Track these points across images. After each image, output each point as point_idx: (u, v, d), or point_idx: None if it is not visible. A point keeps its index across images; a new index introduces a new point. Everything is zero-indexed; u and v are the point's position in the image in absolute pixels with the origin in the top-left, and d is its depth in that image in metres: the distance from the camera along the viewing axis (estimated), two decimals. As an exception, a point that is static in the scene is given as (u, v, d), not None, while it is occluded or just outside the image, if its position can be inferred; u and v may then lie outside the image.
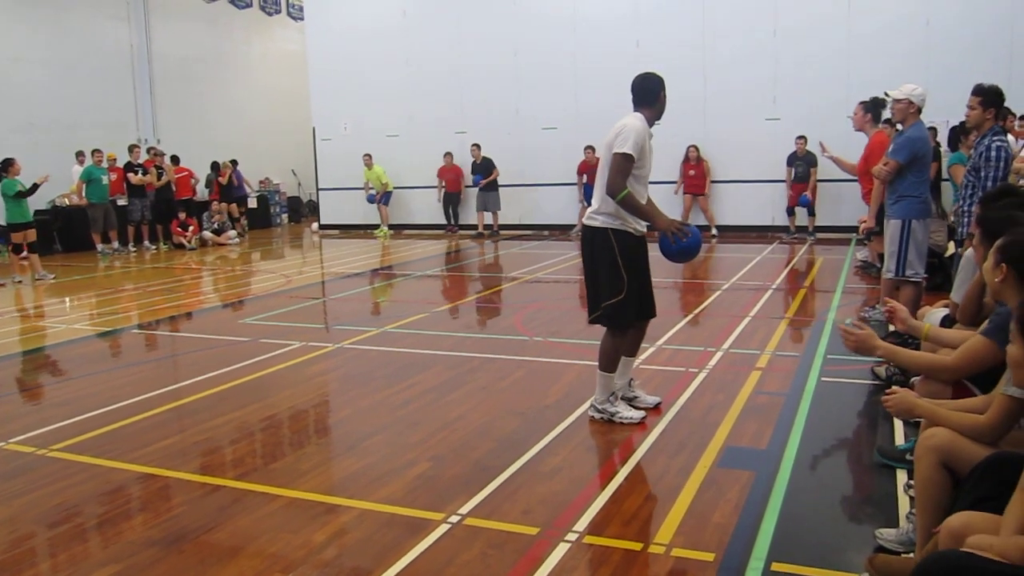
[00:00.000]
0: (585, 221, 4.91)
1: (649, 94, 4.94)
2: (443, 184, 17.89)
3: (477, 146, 17.28)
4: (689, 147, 15.57)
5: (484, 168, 17.17)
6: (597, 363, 4.97)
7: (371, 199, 18.15)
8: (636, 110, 4.91)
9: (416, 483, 4.15)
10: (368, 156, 18.02)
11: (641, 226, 4.85)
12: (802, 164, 14.67)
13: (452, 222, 18.06)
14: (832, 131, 14.53)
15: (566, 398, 5.47)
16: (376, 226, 18.38)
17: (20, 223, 12.54)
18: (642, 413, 4.96)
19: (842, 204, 14.66)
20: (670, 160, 15.88)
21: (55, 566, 3.46)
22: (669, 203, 15.99)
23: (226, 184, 18.38)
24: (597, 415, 4.98)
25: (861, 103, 8.49)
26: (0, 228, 15.94)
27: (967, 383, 3.47)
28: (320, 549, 3.47)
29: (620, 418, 4.91)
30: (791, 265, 11.73)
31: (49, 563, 3.51)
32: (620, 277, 4.76)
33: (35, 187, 12.91)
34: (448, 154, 17.66)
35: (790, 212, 15.08)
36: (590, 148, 15.96)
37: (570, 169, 16.65)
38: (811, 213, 14.88)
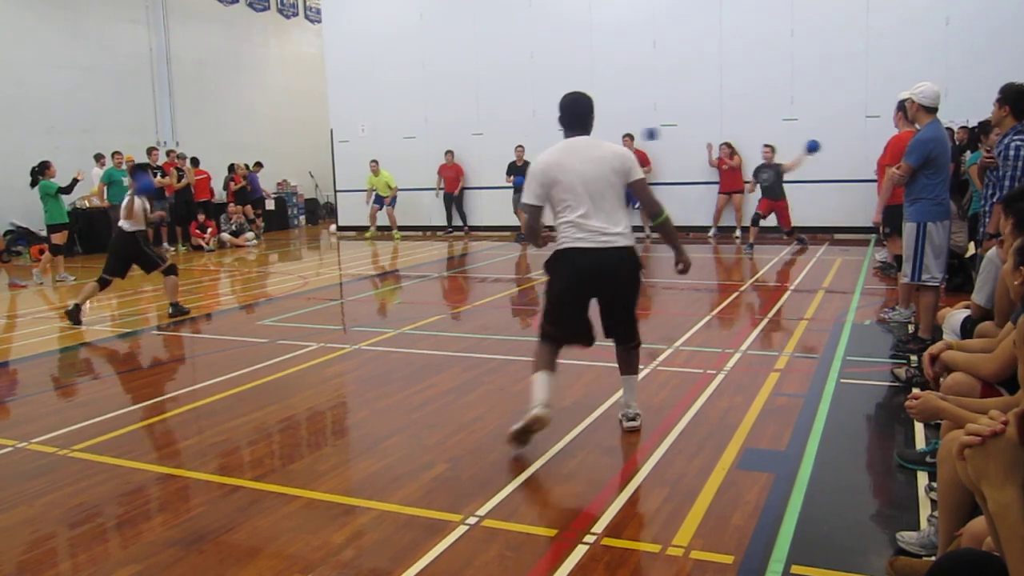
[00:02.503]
0: (621, 243, 4.61)
1: (589, 118, 4.98)
2: (442, 184, 17.92)
3: (521, 147, 17.01)
4: (722, 144, 15.40)
5: (524, 171, 17.07)
6: (631, 371, 4.93)
7: (379, 202, 18.07)
8: (576, 134, 4.92)
9: (434, 484, 4.16)
10: (375, 163, 17.96)
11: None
12: (770, 173, 13.75)
13: (450, 224, 18.06)
14: (850, 131, 14.52)
15: (583, 400, 5.46)
16: (387, 228, 18.32)
17: (59, 224, 12.71)
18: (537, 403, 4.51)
19: (852, 203, 14.57)
20: (694, 161, 15.83)
21: (76, 566, 3.49)
22: (703, 203, 15.97)
23: (239, 187, 18.47)
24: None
25: (898, 102, 8.20)
26: (23, 231, 16.15)
27: (995, 385, 3.45)
28: (339, 550, 3.48)
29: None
30: (809, 266, 11.65)
31: (70, 563, 3.54)
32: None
33: (74, 183, 13.13)
34: (449, 152, 17.72)
35: (755, 222, 14.05)
36: (629, 136, 15.87)
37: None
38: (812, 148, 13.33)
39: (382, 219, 18.38)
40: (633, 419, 4.85)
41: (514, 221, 17.53)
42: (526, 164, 16.82)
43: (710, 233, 15.77)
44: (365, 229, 19.02)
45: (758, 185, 13.85)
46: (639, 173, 4.70)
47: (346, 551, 3.47)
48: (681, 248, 4.85)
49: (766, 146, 14.00)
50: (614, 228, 4.59)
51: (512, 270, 13.05)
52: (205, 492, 4.24)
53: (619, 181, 4.64)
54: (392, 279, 12.50)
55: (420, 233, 18.63)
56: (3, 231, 15.43)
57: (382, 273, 13.15)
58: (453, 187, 17.92)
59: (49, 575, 3.41)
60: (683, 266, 4.88)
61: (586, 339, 4.81)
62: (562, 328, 4.71)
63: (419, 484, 4.17)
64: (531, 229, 4.87)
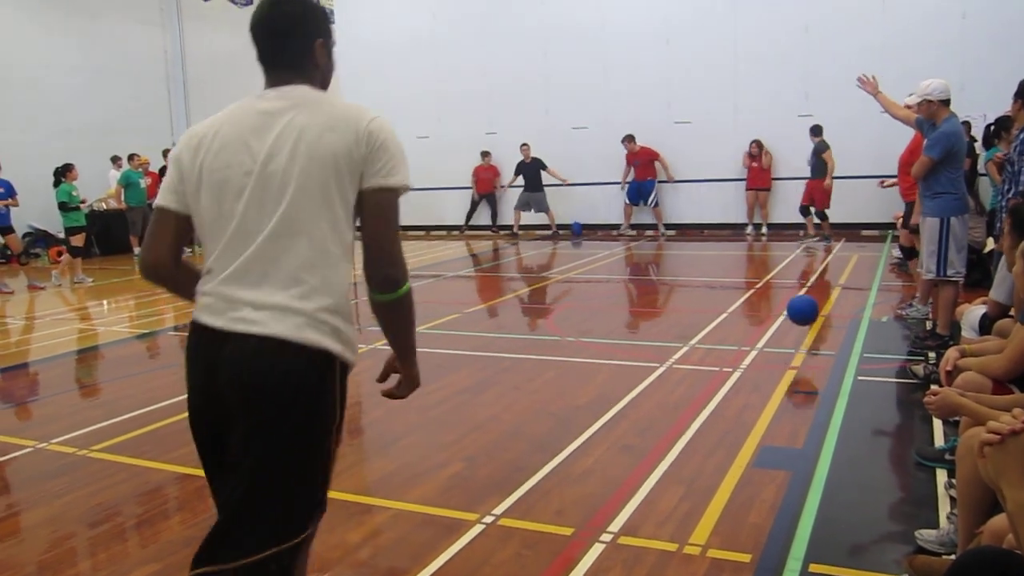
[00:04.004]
0: (265, 328, 2.02)
1: (294, 40, 2.24)
2: (475, 183, 17.84)
3: (527, 146, 17.00)
4: (752, 142, 15.27)
5: (532, 169, 17.04)
6: None
7: None
8: (271, 83, 2.28)
9: (450, 484, 4.16)
10: None
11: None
12: (815, 159, 14.25)
13: (467, 223, 17.96)
14: (865, 127, 14.41)
15: (599, 398, 5.45)
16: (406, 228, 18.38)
17: (77, 226, 12.84)
18: None
19: (862, 199, 14.49)
20: (707, 159, 15.78)
21: (95, 565, 3.52)
22: (717, 200, 15.91)
23: None
24: None
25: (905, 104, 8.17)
26: (41, 233, 16.28)
27: (1007, 384, 3.44)
28: (355, 549, 3.49)
29: None
30: (825, 263, 11.60)
31: (90, 562, 3.56)
32: (326, 479, 2.26)
33: (79, 204, 13.26)
34: (486, 153, 17.61)
35: (804, 212, 14.58)
36: (629, 137, 15.87)
37: (600, 168, 16.63)
38: (821, 218, 14.33)
39: (406, 217, 18.33)
40: None
41: (533, 220, 17.55)
42: (536, 161, 16.84)
43: (747, 230, 15.67)
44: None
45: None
46: (387, 171, 2.13)
47: (363, 550, 3.48)
48: (415, 357, 2.50)
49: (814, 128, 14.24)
50: (268, 291, 2.05)
51: (524, 268, 13.05)
52: (223, 492, 4.25)
53: (331, 178, 2.07)
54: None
55: (431, 232, 18.65)
56: (22, 233, 15.54)
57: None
58: (486, 188, 17.80)
59: (69, 574, 3.43)
60: (403, 390, 2.55)
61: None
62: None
63: (435, 483, 4.17)
64: (144, 261, 2.30)
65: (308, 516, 2.17)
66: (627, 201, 16.48)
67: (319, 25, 2.24)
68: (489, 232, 17.96)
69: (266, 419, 2.02)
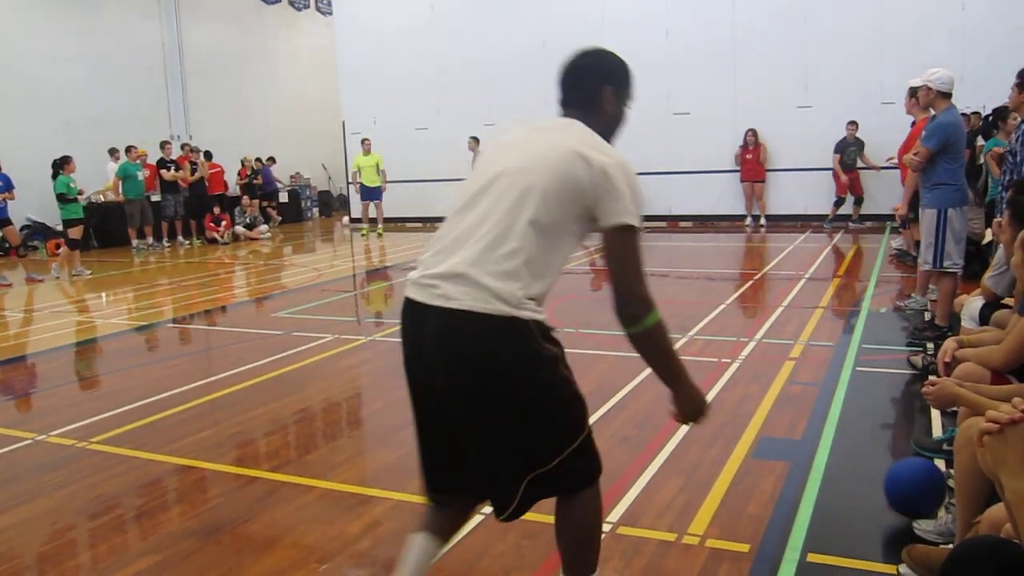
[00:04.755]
0: (460, 303, 2.25)
1: (586, 85, 2.59)
2: None
3: (474, 139, 16.88)
4: (747, 131, 15.30)
5: None
6: (565, 566, 2.62)
7: (368, 196, 17.03)
8: (569, 114, 2.58)
9: (449, 474, 4.16)
10: (367, 141, 16.96)
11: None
12: (853, 150, 14.40)
13: None
14: (865, 118, 14.41)
15: (598, 389, 5.45)
16: (379, 222, 17.75)
17: (75, 219, 12.82)
18: None
19: (878, 192, 14.52)
20: (706, 150, 15.76)
21: (96, 556, 3.52)
22: (716, 192, 15.88)
23: (245, 181, 18.50)
24: None
25: (909, 88, 8.06)
26: (39, 226, 16.26)
27: (1005, 375, 3.45)
28: (355, 540, 3.49)
29: None
30: (824, 254, 11.60)
31: (90, 554, 3.57)
32: (573, 399, 2.43)
33: (78, 195, 13.27)
34: (474, 138, 17.44)
35: (839, 203, 14.75)
36: None
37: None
38: (857, 203, 14.64)
39: (405, 208, 18.21)
40: None
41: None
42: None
43: (746, 222, 15.66)
44: (384, 221, 18.87)
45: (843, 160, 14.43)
46: (621, 209, 2.28)
47: (362, 541, 3.49)
48: (685, 377, 2.51)
49: (850, 123, 14.32)
50: (463, 269, 2.27)
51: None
52: (222, 483, 4.26)
53: (555, 196, 2.28)
54: (406, 270, 12.51)
55: (420, 224, 18.62)
56: (20, 226, 15.52)
57: (396, 265, 13.17)
58: None
59: (69, 566, 3.44)
60: (680, 414, 2.61)
61: (441, 495, 2.68)
62: (421, 467, 2.72)
63: (434, 474, 4.17)
64: None
65: (559, 441, 2.35)
66: None
67: (612, 73, 2.55)
68: None
69: (463, 391, 2.36)
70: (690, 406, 2.55)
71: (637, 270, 2.30)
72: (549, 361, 2.31)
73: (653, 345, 2.37)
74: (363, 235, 17.12)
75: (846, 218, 14.79)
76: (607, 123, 2.51)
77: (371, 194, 17.03)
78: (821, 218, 15.15)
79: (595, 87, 2.51)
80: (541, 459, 2.33)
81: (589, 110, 2.49)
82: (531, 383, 2.29)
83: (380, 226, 17.30)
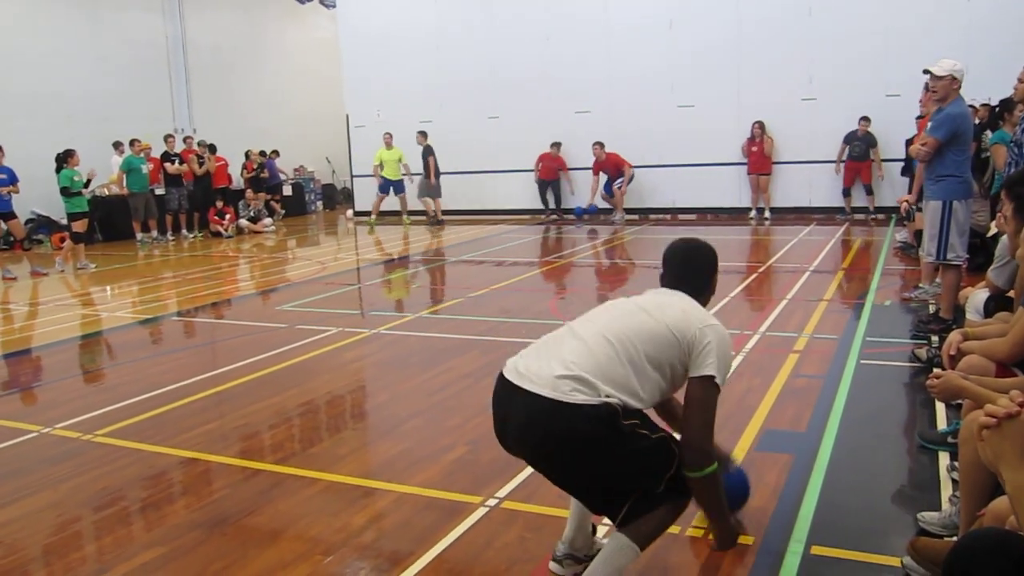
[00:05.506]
0: (548, 393, 2.58)
1: (701, 275, 3.15)
2: (539, 168, 17.27)
3: (423, 133, 17.12)
4: (754, 124, 15.22)
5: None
6: (629, 532, 2.73)
7: (385, 189, 17.38)
8: (673, 288, 3.06)
9: (453, 467, 4.17)
10: (389, 135, 17.33)
11: None
12: (860, 144, 14.41)
13: (547, 207, 17.40)
14: (871, 111, 14.38)
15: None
16: (404, 213, 18.10)
17: (79, 212, 12.85)
18: None
19: (883, 185, 14.51)
20: (711, 143, 15.73)
21: (101, 548, 3.53)
22: (736, 185, 15.83)
23: (251, 175, 18.48)
24: None
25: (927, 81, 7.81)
26: (43, 219, 16.29)
27: (1010, 367, 3.44)
28: (359, 532, 3.50)
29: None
30: (829, 247, 11.57)
31: (95, 546, 3.58)
32: (658, 444, 2.71)
33: (88, 183, 13.32)
34: (556, 144, 17.05)
35: (846, 193, 14.80)
36: (599, 144, 15.85)
37: (603, 153, 16.61)
38: (868, 193, 14.64)
39: (408, 203, 18.24)
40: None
41: (535, 204, 17.53)
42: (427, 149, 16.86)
43: (751, 215, 15.62)
44: (383, 214, 18.91)
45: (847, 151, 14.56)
46: (711, 364, 2.73)
47: (366, 533, 3.50)
48: (726, 515, 3.04)
49: (863, 118, 14.35)
50: (553, 361, 2.67)
51: (530, 253, 13.05)
52: (227, 476, 4.28)
53: (663, 344, 2.73)
54: (409, 263, 12.52)
55: (424, 217, 18.60)
56: (24, 219, 15.55)
57: (400, 258, 13.18)
58: (548, 175, 17.26)
59: (74, 558, 3.45)
60: (717, 543, 3.12)
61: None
62: None
63: (439, 467, 4.19)
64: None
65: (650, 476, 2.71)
66: (604, 192, 16.42)
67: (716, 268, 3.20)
68: (543, 216, 17.52)
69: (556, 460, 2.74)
70: (728, 539, 3.08)
71: (704, 422, 2.74)
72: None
73: (707, 489, 2.81)
74: (370, 230, 17.14)
75: (862, 210, 14.74)
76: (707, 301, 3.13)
77: (392, 187, 17.44)
78: (826, 211, 15.14)
79: (709, 278, 3.18)
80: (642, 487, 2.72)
81: (698, 293, 3.07)
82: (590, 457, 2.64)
83: (405, 216, 17.55)
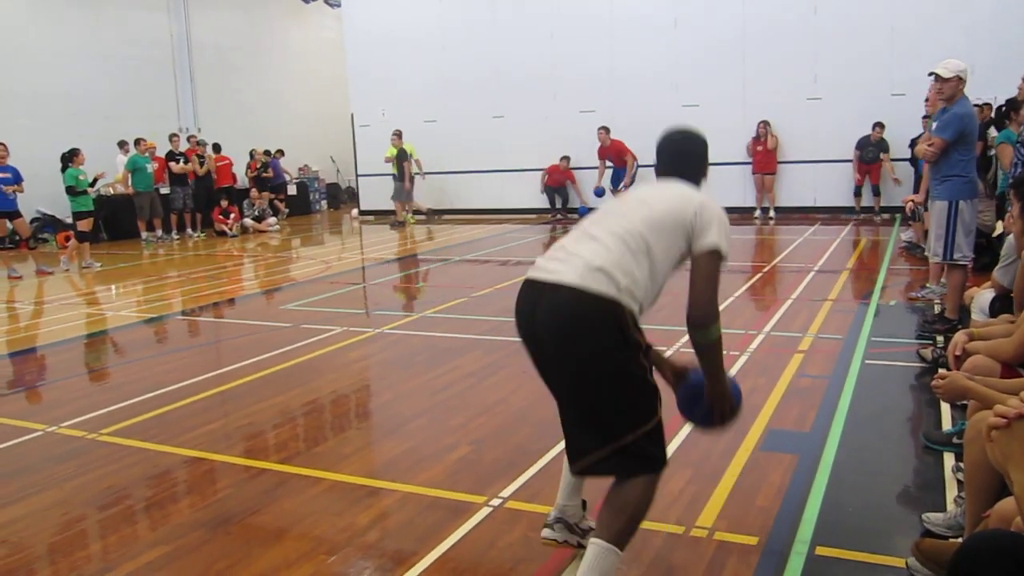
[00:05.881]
0: (570, 280, 2.72)
1: (693, 163, 3.26)
2: (545, 178, 17.43)
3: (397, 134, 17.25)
4: (759, 123, 15.22)
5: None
6: (604, 535, 2.73)
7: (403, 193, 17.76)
8: (668, 176, 3.17)
9: (457, 467, 4.17)
10: (398, 133, 17.46)
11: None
12: (874, 149, 14.41)
13: (554, 206, 17.42)
14: (876, 110, 14.35)
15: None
16: (416, 212, 18.26)
17: (85, 211, 12.88)
18: None
19: (890, 185, 14.49)
20: (715, 142, 15.67)
21: (106, 547, 3.54)
22: (741, 184, 15.82)
23: (254, 174, 18.49)
24: None
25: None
26: (49, 218, 16.33)
27: (1017, 368, 3.43)
28: (363, 532, 3.50)
29: None
30: (834, 246, 11.55)
31: (100, 544, 3.59)
32: (649, 386, 2.85)
33: (95, 181, 13.37)
34: (565, 158, 17.06)
35: (857, 192, 14.78)
36: (604, 128, 15.81)
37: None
38: (876, 193, 14.63)
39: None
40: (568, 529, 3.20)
41: (539, 204, 17.52)
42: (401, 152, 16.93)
43: (755, 214, 15.60)
44: (388, 213, 18.90)
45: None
46: (713, 239, 2.83)
47: (371, 532, 3.50)
48: (722, 378, 2.95)
49: (876, 124, 14.29)
50: (580, 251, 2.82)
51: (534, 253, 13.04)
52: (231, 475, 4.28)
53: (669, 229, 2.85)
54: (414, 263, 12.53)
55: (441, 216, 18.62)
56: (30, 218, 15.60)
57: (404, 257, 13.18)
58: (555, 183, 17.34)
59: (79, 557, 3.46)
60: (722, 412, 3.01)
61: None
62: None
63: (443, 466, 4.19)
64: None
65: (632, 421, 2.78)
66: (611, 188, 16.37)
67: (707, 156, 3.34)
68: (549, 215, 17.52)
69: (563, 354, 2.81)
70: (716, 399, 2.95)
71: (709, 286, 2.82)
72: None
73: (711, 351, 2.85)
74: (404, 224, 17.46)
75: (869, 209, 14.73)
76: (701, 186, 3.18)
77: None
78: (831, 210, 15.12)
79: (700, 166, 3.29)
80: (619, 432, 2.76)
81: (692, 182, 3.15)
82: (598, 357, 2.73)
83: (412, 214, 17.82)
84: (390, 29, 18.69)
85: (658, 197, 2.97)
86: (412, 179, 17.37)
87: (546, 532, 3.16)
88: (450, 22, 18.16)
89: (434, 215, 17.67)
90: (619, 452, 2.75)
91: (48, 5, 17.18)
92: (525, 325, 2.90)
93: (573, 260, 2.78)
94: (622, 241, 2.79)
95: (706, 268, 2.82)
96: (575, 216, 17.06)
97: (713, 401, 2.95)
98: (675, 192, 3.00)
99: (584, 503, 3.21)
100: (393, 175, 17.48)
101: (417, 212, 17.75)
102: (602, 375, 2.73)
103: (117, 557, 3.41)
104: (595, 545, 2.72)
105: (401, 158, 17.15)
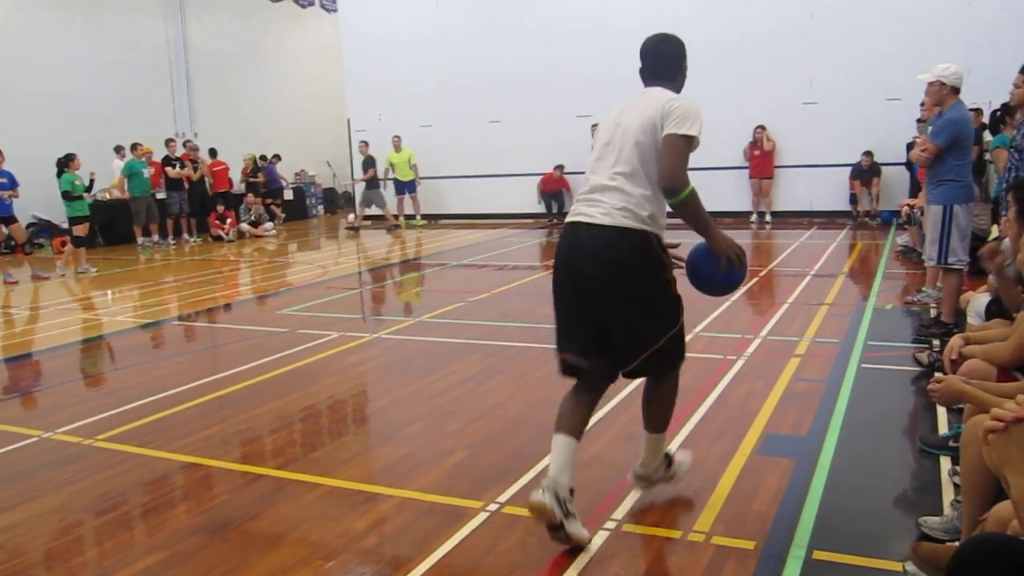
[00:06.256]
0: (603, 220, 3.29)
1: (670, 63, 3.63)
2: (541, 183, 17.46)
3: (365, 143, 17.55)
4: (756, 128, 15.28)
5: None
6: (655, 428, 3.62)
7: (402, 190, 18.05)
8: (651, 85, 3.58)
9: (455, 471, 4.17)
10: (397, 138, 17.78)
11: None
12: (867, 174, 14.54)
13: (550, 211, 17.45)
14: (870, 113, 14.39)
15: (603, 386, 5.44)
16: (410, 217, 18.35)
17: (80, 216, 12.88)
18: (689, 453, 3.96)
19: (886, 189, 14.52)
20: (713, 146, 15.70)
21: (102, 553, 3.53)
22: (737, 189, 15.84)
23: (244, 180, 18.47)
24: (649, 487, 3.76)
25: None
26: (45, 223, 16.31)
27: (1011, 371, 3.44)
28: (361, 537, 3.50)
29: (680, 475, 3.81)
30: (830, 250, 11.57)
31: (96, 550, 3.58)
32: (673, 296, 3.41)
33: (91, 185, 13.38)
34: (559, 167, 17.05)
35: (853, 200, 14.85)
36: (596, 126, 15.82)
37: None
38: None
39: (407, 206, 18.42)
40: (642, 478, 3.76)
41: (536, 208, 17.52)
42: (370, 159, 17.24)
43: (752, 219, 15.62)
44: (384, 218, 18.99)
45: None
46: (678, 126, 3.25)
47: (368, 538, 3.49)
48: (715, 229, 3.39)
49: (865, 153, 14.47)
50: (604, 199, 3.33)
51: (530, 257, 13.05)
52: (228, 480, 4.27)
53: (647, 137, 3.32)
54: (411, 268, 12.52)
55: (438, 221, 18.62)
56: (26, 223, 15.58)
57: (401, 262, 13.18)
58: (550, 189, 17.38)
59: (76, 563, 3.45)
60: (727, 259, 3.41)
61: (585, 365, 3.48)
62: (558, 344, 3.54)
63: (440, 471, 4.18)
64: None
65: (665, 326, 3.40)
66: None
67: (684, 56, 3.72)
68: (546, 220, 17.56)
69: (607, 287, 3.36)
70: (722, 247, 3.38)
71: (679, 160, 3.25)
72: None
73: (691, 210, 3.27)
74: (397, 228, 17.74)
75: (867, 213, 14.75)
76: (681, 84, 3.64)
77: (406, 188, 18.00)
78: (827, 215, 15.15)
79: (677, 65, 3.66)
80: (656, 338, 3.37)
81: (671, 81, 3.59)
82: (637, 284, 3.32)
83: (419, 218, 18.12)
84: (387, 33, 18.71)
85: (642, 104, 3.42)
86: (376, 184, 17.67)
87: (535, 495, 3.22)
88: (447, 27, 18.17)
89: (396, 228, 17.61)
90: (655, 354, 3.36)
91: (44, 10, 17.18)
92: (566, 261, 3.41)
93: (602, 205, 3.31)
94: (629, 178, 3.31)
95: (676, 147, 3.23)
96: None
97: (718, 251, 3.37)
98: (654, 95, 3.43)
99: (572, 490, 3.31)
100: (395, 180, 17.74)
101: (356, 222, 17.87)
102: (641, 293, 3.31)
103: (113, 563, 3.41)
104: (652, 437, 3.61)
105: (368, 164, 17.47)
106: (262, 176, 19.10)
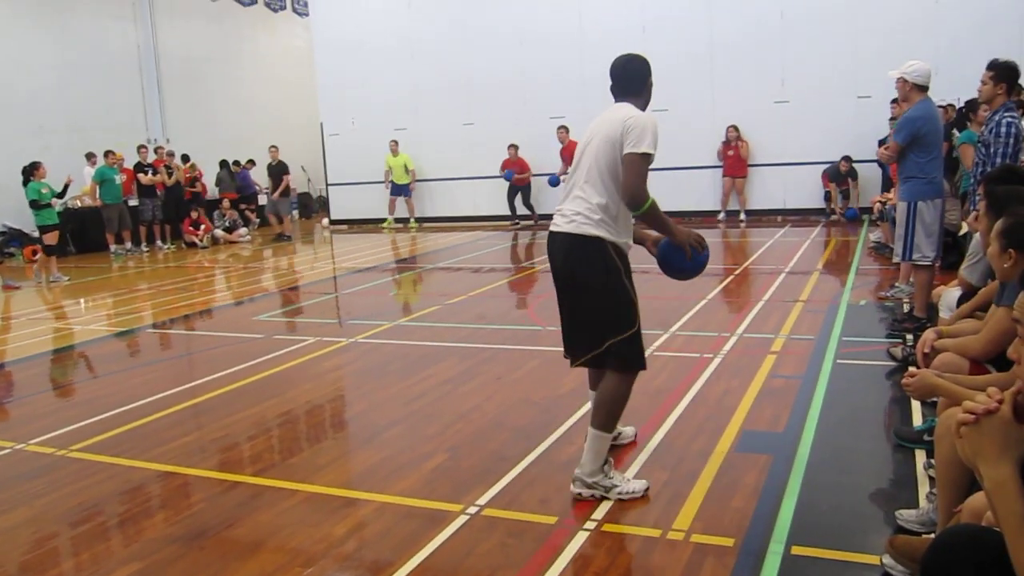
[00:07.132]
0: (564, 228, 3.76)
1: (635, 81, 3.92)
2: (512, 176, 17.14)
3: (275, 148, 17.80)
4: (728, 127, 15.35)
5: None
6: (594, 424, 3.77)
7: (397, 192, 18.21)
8: (620, 100, 3.92)
9: (434, 475, 4.16)
10: (395, 143, 17.98)
11: (630, 240, 3.91)
12: (843, 177, 14.61)
13: (514, 214, 17.26)
14: (841, 112, 14.52)
15: (581, 387, 5.44)
16: (385, 219, 18.32)
17: (50, 224, 12.73)
18: (645, 483, 3.78)
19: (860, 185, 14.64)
20: (684, 146, 15.80)
21: (78, 565, 3.49)
22: (710, 188, 15.91)
23: (188, 184, 18.20)
24: (586, 492, 3.74)
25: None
26: (15, 232, 16.10)
27: (983, 363, 3.48)
28: (340, 543, 3.48)
29: (621, 493, 3.71)
30: (804, 248, 11.66)
31: (72, 562, 3.54)
32: (629, 300, 3.73)
33: (65, 189, 13.23)
34: (512, 146, 16.93)
35: (827, 197, 14.94)
36: (563, 128, 15.87)
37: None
38: (846, 197, 14.75)
39: (384, 209, 18.41)
40: (585, 485, 3.76)
41: (507, 211, 17.52)
42: (280, 165, 17.61)
43: (719, 217, 15.70)
44: (359, 222, 18.98)
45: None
46: (636, 145, 3.59)
47: (348, 543, 3.48)
48: (674, 226, 3.82)
49: (844, 158, 14.41)
50: (566, 207, 3.79)
51: (505, 259, 13.05)
52: (205, 488, 4.24)
53: (607, 152, 3.70)
54: (386, 271, 12.48)
55: (401, 225, 18.58)
56: (-5, 233, 15.42)
57: (376, 266, 13.14)
58: (515, 177, 17.07)
59: (52, 574, 3.41)
60: (690, 247, 3.86)
61: (570, 361, 3.96)
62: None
63: (419, 475, 4.17)
64: None
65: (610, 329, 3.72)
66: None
67: (649, 73, 4.01)
68: (509, 224, 17.44)
69: (564, 280, 3.87)
70: (683, 239, 3.82)
71: (638, 177, 3.61)
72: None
73: (652, 217, 3.69)
74: (386, 230, 18.13)
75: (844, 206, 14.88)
76: (647, 99, 3.97)
77: (401, 191, 18.26)
78: (801, 212, 15.26)
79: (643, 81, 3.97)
80: (603, 337, 3.70)
81: (637, 96, 3.91)
82: (584, 279, 3.73)
83: (413, 220, 18.35)
84: (359, 37, 18.64)
85: (605, 122, 3.77)
86: (287, 192, 18.04)
87: (572, 487, 3.76)
88: (419, 31, 18.12)
89: (286, 238, 17.54)
90: (602, 353, 3.70)
91: (13, 15, 16.96)
92: (550, 267, 3.88)
93: (566, 215, 3.74)
94: (591, 186, 3.71)
95: (636, 166, 3.59)
96: (545, 221, 17.06)
97: (680, 243, 3.81)
98: (616, 113, 3.76)
99: (607, 460, 3.76)
100: (392, 183, 18.13)
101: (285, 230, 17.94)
102: (588, 295, 3.70)
103: (90, 574, 3.37)
104: (591, 432, 3.76)
105: (282, 171, 17.81)
106: (200, 186, 18.50)
